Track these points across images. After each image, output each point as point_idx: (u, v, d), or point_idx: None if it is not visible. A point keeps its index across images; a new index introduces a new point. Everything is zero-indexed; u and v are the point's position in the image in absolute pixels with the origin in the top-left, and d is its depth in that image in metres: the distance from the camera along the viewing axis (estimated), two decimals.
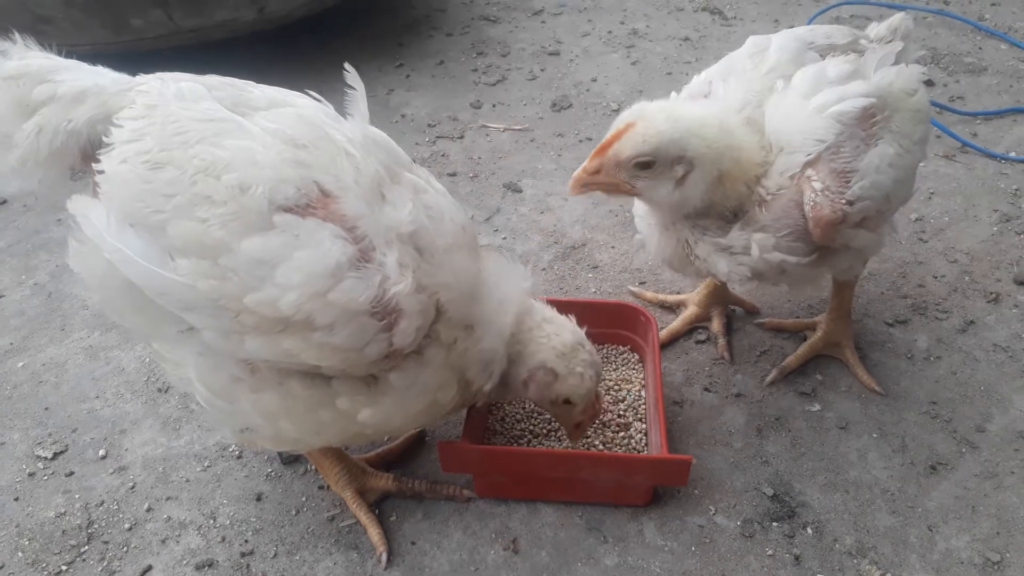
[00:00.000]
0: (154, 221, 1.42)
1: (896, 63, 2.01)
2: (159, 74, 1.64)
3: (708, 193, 1.84)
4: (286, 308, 1.40)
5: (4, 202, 3.28)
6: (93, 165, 1.50)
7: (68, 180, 1.62)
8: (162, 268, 1.42)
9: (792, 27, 2.19)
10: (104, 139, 1.51)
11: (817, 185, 1.78)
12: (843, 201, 1.77)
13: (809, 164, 1.81)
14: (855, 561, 1.89)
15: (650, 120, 1.79)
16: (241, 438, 1.69)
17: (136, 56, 3.28)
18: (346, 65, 1.69)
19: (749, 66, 2.00)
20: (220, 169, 1.42)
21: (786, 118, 1.86)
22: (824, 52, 2.01)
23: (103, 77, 1.62)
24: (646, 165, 1.80)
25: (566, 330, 1.82)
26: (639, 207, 2.14)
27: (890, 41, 2.13)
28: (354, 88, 1.70)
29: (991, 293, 2.69)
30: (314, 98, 1.68)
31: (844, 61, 1.95)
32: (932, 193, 3.21)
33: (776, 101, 1.91)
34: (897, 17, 2.19)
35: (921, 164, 2.09)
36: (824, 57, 1.99)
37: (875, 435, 2.20)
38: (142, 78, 1.64)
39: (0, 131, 1.56)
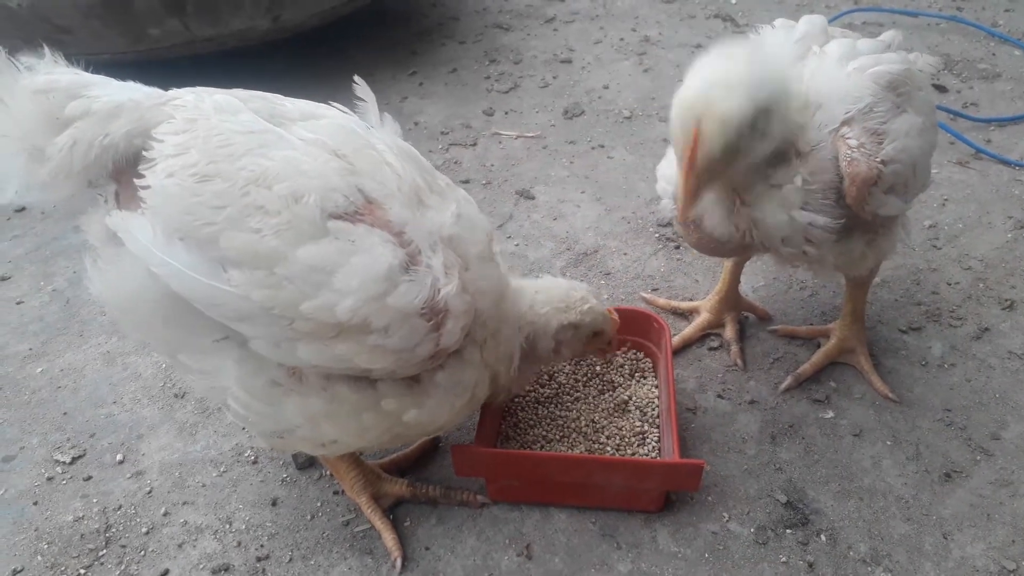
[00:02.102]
0: (205, 234, 1.42)
1: None
2: (192, 88, 1.65)
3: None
4: (343, 313, 1.42)
5: (23, 209, 3.32)
6: (136, 180, 1.49)
7: (96, 195, 1.62)
8: (214, 280, 1.42)
9: None
10: (144, 153, 1.51)
11: (853, 142, 1.79)
12: (877, 160, 1.78)
13: (845, 123, 1.82)
14: (869, 569, 1.88)
15: (715, 108, 1.59)
16: (275, 442, 1.70)
17: (152, 65, 3.33)
18: (356, 77, 1.72)
19: (781, 35, 2.06)
20: (271, 179, 1.44)
21: (826, 77, 1.89)
22: None
23: (137, 92, 1.62)
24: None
25: (552, 286, 1.97)
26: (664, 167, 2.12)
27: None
28: (364, 100, 1.72)
29: (1006, 300, 2.68)
30: (341, 110, 1.71)
31: (871, 41, 2.02)
32: (946, 200, 3.20)
33: (815, 62, 1.93)
34: (889, 33, 2.23)
35: (934, 170, 2.09)
36: None
37: (889, 442, 2.20)
38: (175, 92, 1.64)
39: (31, 144, 1.55)
